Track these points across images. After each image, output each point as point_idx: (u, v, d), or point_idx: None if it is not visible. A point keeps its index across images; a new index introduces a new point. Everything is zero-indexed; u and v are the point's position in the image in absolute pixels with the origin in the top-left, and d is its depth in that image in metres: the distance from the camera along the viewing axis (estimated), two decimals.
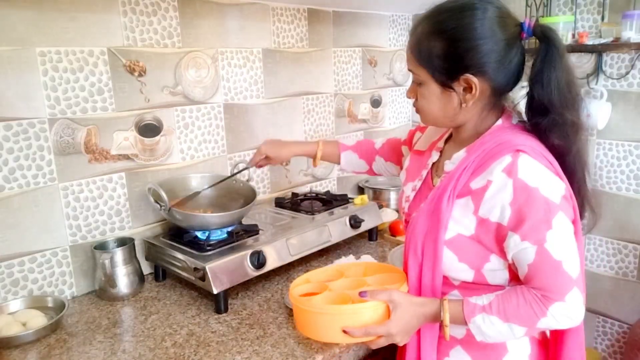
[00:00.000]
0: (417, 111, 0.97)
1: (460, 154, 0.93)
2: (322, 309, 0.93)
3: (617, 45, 1.76)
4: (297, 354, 1.08)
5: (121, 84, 1.41)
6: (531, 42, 0.92)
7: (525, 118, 0.93)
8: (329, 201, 1.76)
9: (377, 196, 2.07)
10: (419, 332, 0.96)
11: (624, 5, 1.79)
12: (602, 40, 1.79)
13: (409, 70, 0.93)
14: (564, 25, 1.84)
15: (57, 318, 1.20)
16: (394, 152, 1.36)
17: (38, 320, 1.19)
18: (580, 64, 1.94)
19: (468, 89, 0.87)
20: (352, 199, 1.78)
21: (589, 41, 1.82)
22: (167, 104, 1.52)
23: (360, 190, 2.18)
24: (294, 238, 1.44)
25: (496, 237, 0.86)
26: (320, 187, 2.07)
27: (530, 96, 0.88)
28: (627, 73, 1.83)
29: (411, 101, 0.99)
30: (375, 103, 2.25)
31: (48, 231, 1.33)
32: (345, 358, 1.14)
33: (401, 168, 1.24)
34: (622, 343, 2.02)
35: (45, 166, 1.30)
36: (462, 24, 0.84)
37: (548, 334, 1.00)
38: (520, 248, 0.83)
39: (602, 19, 1.85)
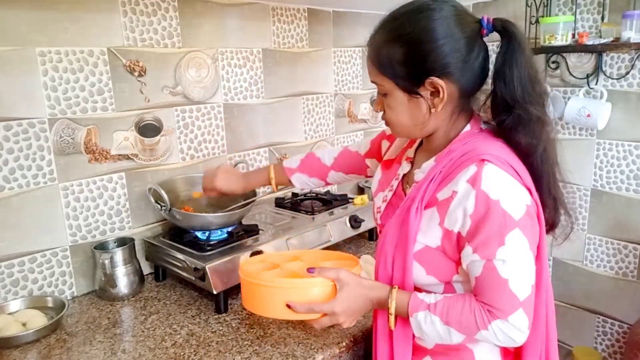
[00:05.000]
0: (387, 124, 0.93)
1: (429, 163, 0.91)
2: (268, 282, 0.90)
3: (617, 45, 1.76)
4: (297, 354, 1.08)
5: (121, 84, 1.41)
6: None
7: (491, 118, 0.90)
8: (329, 201, 1.77)
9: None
10: (391, 339, 0.92)
11: (624, 5, 1.79)
12: (602, 40, 1.79)
13: (372, 82, 0.91)
14: (564, 25, 1.84)
15: (57, 318, 1.20)
16: (355, 166, 1.25)
17: (38, 320, 1.20)
18: (580, 64, 1.94)
19: (435, 92, 0.84)
20: (352, 199, 1.78)
21: (589, 41, 1.82)
22: (167, 104, 1.53)
23: (360, 190, 2.18)
24: (294, 238, 1.44)
25: (457, 248, 0.84)
26: (320, 187, 2.07)
27: (494, 93, 0.85)
28: (627, 73, 1.83)
29: (386, 103, 0.95)
30: None
31: (48, 231, 1.33)
32: (345, 358, 1.14)
33: (366, 176, 1.25)
34: (622, 343, 2.02)
35: (45, 166, 1.30)
36: (419, 26, 0.82)
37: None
38: (470, 260, 0.81)
39: (602, 19, 1.85)
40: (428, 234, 0.86)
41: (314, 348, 1.10)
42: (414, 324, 0.84)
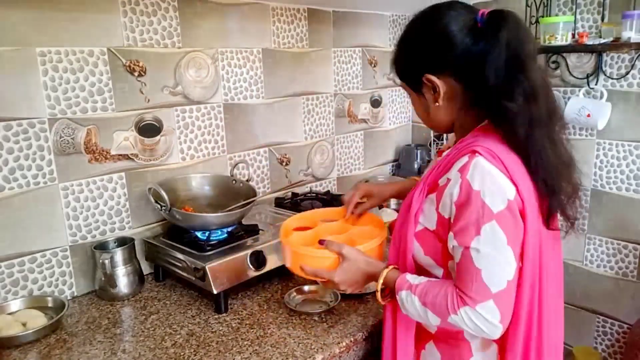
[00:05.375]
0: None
1: (447, 152, 0.95)
2: (293, 247, 1.09)
3: (617, 45, 1.76)
4: (297, 354, 1.08)
5: (121, 84, 1.41)
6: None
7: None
8: (329, 201, 1.77)
9: None
10: (395, 322, 0.99)
11: (624, 5, 1.79)
12: (602, 40, 1.79)
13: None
14: (564, 25, 1.84)
15: (57, 318, 1.20)
16: None
17: (38, 320, 1.20)
18: (580, 64, 1.94)
19: (432, 88, 0.90)
20: None
21: (589, 41, 1.82)
22: (167, 104, 1.53)
23: None
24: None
25: (449, 232, 0.87)
26: (320, 187, 2.07)
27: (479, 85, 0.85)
28: (627, 73, 1.83)
29: (410, 101, 1.03)
30: (375, 103, 2.25)
31: (48, 231, 1.33)
32: (345, 358, 1.14)
33: None
34: (622, 343, 2.02)
35: (45, 166, 1.30)
36: (412, 28, 0.92)
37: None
38: (452, 245, 0.85)
39: (602, 19, 1.85)
40: (428, 216, 0.91)
41: (314, 348, 1.10)
42: (399, 301, 0.90)
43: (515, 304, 0.84)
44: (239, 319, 1.24)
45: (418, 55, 0.90)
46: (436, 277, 0.92)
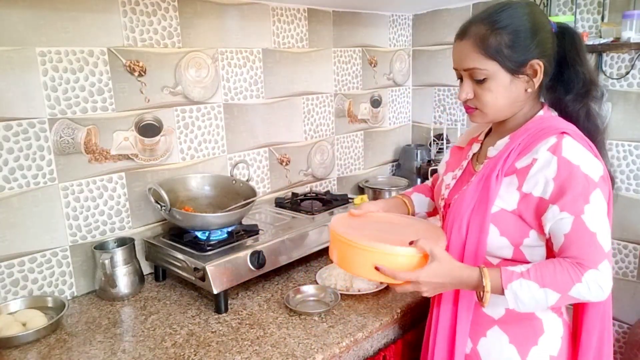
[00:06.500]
0: (476, 109, 1.01)
1: (504, 140, 1.01)
2: (361, 244, 0.95)
3: (617, 45, 1.76)
4: (297, 354, 1.08)
5: (121, 84, 1.41)
6: None
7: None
8: (329, 201, 1.77)
9: (377, 196, 2.07)
10: (455, 313, 1.02)
11: (624, 5, 1.79)
12: (602, 40, 1.79)
13: (469, 69, 0.97)
14: None
15: (57, 318, 1.20)
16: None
17: (38, 320, 1.20)
18: None
19: (533, 74, 0.96)
20: (352, 199, 1.78)
21: (589, 41, 1.82)
22: (167, 104, 1.53)
23: (361, 190, 2.18)
24: (294, 238, 1.44)
25: (536, 211, 0.92)
26: (320, 187, 2.07)
27: (569, 76, 1.00)
28: (627, 73, 1.83)
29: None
30: (375, 103, 2.25)
31: (48, 231, 1.33)
32: (345, 358, 1.14)
33: None
34: (622, 343, 2.02)
35: (45, 166, 1.30)
36: (516, 17, 0.94)
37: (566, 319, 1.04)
38: (558, 218, 0.89)
39: (602, 19, 1.85)
40: (505, 198, 0.95)
41: (314, 348, 1.10)
42: (509, 295, 0.88)
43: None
44: (239, 319, 1.24)
45: (533, 41, 0.94)
46: (502, 259, 0.98)
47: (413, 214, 1.27)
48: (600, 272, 0.86)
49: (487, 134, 1.12)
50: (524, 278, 0.88)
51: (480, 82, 0.97)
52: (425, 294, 0.95)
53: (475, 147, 1.11)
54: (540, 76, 0.96)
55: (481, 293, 0.91)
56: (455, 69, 1.00)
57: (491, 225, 0.96)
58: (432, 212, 1.32)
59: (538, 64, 0.94)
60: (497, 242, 0.97)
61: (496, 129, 1.07)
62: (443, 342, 1.05)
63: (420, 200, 1.29)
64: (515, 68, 0.95)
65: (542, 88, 1.00)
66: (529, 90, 0.97)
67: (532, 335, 0.99)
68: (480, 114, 1.01)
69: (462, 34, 0.97)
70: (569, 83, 1.00)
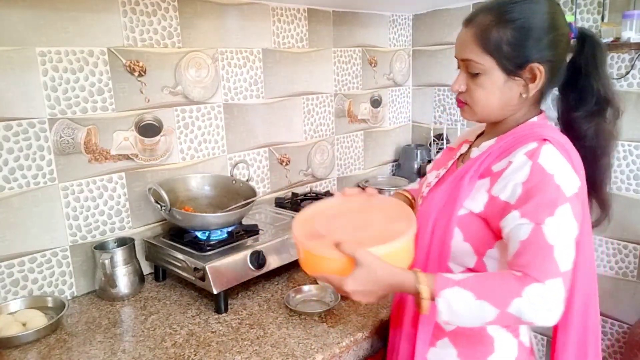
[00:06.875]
0: (467, 104, 0.95)
1: (489, 142, 0.95)
2: (299, 242, 0.91)
3: (617, 45, 1.75)
4: (297, 354, 1.08)
5: (121, 84, 1.41)
6: None
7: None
8: None
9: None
10: (415, 324, 0.97)
11: (624, 5, 1.79)
12: (602, 40, 1.79)
13: (464, 60, 0.91)
14: None
15: (57, 318, 1.20)
16: None
17: (38, 320, 1.20)
18: None
19: (532, 78, 0.88)
20: None
21: None
22: (167, 104, 1.53)
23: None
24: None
25: (500, 216, 0.85)
26: (320, 187, 2.07)
27: (582, 89, 0.93)
28: (627, 73, 1.83)
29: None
30: (375, 103, 2.25)
31: (48, 231, 1.33)
32: (345, 358, 1.14)
33: None
34: (622, 343, 2.02)
35: (45, 166, 1.30)
36: (531, 12, 0.86)
37: (527, 340, 0.97)
38: (517, 223, 0.82)
39: (602, 19, 1.85)
40: (474, 199, 0.89)
41: (314, 348, 1.10)
42: (442, 304, 0.80)
43: (570, 295, 0.87)
44: (239, 319, 1.24)
45: (538, 43, 0.86)
46: (466, 268, 0.93)
47: (412, 206, 1.19)
48: (547, 288, 0.76)
49: (479, 136, 1.07)
50: (460, 286, 0.79)
51: (474, 76, 0.91)
52: (361, 302, 0.88)
53: (464, 148, 1.06)
54: (539, 82, 0.88)
55: (419, 300, 0.82)
56: (456, 57, 0.94)
57: (456, 228, 0.90)
58: None
59: (539, 69, 0.87)
60: (461, 248, 0.91)
61: (488, 131, 1.02)
62: (405, 351, 1.01)
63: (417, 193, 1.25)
64: (512, 69, 0.88)
65: (543, 95, 0.94)
66: (524, 95, 0.90)
67: (480, 354, 0.93)
68: (469, 111, 0.95)
69: (468, 21, 0.92)
70: (580, 97, 0.94)
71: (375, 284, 0.84)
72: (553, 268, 0.78)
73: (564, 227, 0.81)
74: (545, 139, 0.86)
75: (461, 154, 1.05)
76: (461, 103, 0.96)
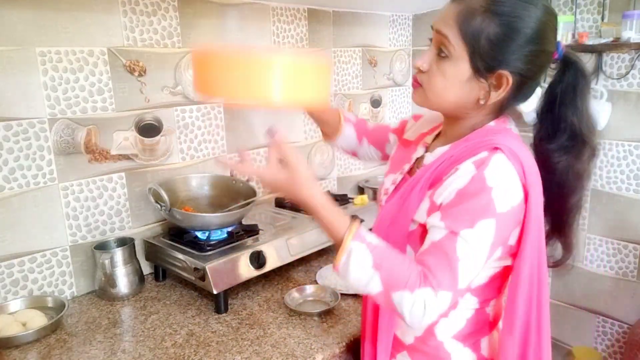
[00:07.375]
0: (421, 85, 0.86)
1: (443, 148, 0.89)
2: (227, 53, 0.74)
3: (617, 45, 1.76)
4: (297, 354, 1.08)
5: (121, 84, 1.41)
6: None
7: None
8: None
9: (377, 196, 2.07)
10: (375, 333, 0.95)
11: (624, 5, 1.79)
12: (602, 40, 1.79)
13: (440, 33, 0.82)
14: (564, 25, 1.84)
15: (57, 318, 1.20)
16: (380, 136, 1.21)
17: (38, 320, 1.20)
18: None
19: (497, 86, 0.81)
20: (352, 199, 1.78)
21: (589, 41, 1.82)
22: (167, 104, 1.53)
23: (360, 190, 2.18)
24: (294, 238, 1.44)
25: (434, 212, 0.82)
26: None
27: (559, 119, 0.86)
28: (627, 73, 1.83)
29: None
30: (375, 103, 2.25)
31: (48, 231, 1.33)
32: (345, 358, 1.14)
33: (382, 154, 1.21)
34: (622, 343, 2.02)
35: (45, 166, 1.30)
36: (522, 14, 0.78)
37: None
38: (435, 224, 0.79)
39: (602, 19, 1.85)
40: (422, 209, 0.85)
41: (314, 348, 1.10)
42: (344, 251, 0.78)
43: (514, 308, 0.84)
44: (239, 319, 1.24)
45: (518, 50, 0.79)
46: None
47: (337, 128, 1.17)
48: (436, 299, 0.75)
49: (436, 136, 0.99)
50: (367, 247, 0.77)
51: (441, 59, 0.82)
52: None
53: (420, 151, 0.98)
54: (502, 92, 0.81)
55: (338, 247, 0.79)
56: (432, 27, 0.84)
57: (408, 246, 0.86)
58: (354, 153, 1.24)
59: (507, 78, 0.80)
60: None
61: (446, 131, 0.94)
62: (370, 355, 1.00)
63: (346, 136, 1.18)
64: (481, 68, 0.80)
65: (502, 108, 0.86)
66: (482, 102, 0.82)
67: None
68: (422, 95, 0.86)
69: None
70: (552, 128, 0.86)
71: (295, 193, 0.82)
72: (452, 280, 0.76)
73: (480, 242, 0.77)
74: (496, 148, 0.80)
75: (417, 158, 0.98)
76: (417, 83, 0.87)
